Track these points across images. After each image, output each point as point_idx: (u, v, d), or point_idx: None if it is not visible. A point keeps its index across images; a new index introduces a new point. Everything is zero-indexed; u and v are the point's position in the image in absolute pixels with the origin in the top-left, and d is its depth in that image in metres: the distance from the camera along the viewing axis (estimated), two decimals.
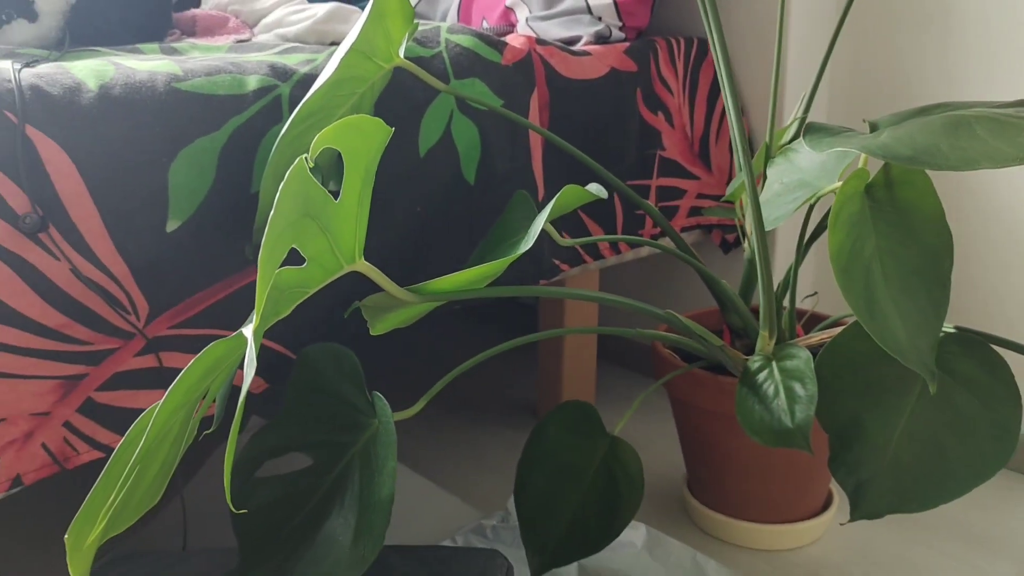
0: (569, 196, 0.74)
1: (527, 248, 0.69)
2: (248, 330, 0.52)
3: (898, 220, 0.77)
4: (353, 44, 0.75)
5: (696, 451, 1.09)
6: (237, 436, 0.52)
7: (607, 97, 1.21)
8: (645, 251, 1.32)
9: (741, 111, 1.38)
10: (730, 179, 1.39)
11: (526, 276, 1.12)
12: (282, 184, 0.48)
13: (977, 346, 0.78)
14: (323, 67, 0.93)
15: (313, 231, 0.52)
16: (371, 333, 0.73)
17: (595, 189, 0.78)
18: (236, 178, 0.87)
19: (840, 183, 0.83)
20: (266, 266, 0.47)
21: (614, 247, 1.25)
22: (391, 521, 1.06)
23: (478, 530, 1.03)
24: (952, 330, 0.80)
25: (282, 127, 0.88)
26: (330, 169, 0.86)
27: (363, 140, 0.52)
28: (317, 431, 0.82)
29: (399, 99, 0.98)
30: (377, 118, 0.52)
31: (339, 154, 0.91)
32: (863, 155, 0.80)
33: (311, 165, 0.50)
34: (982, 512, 1.16)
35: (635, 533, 1.03)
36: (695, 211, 1.36)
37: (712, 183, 1.37)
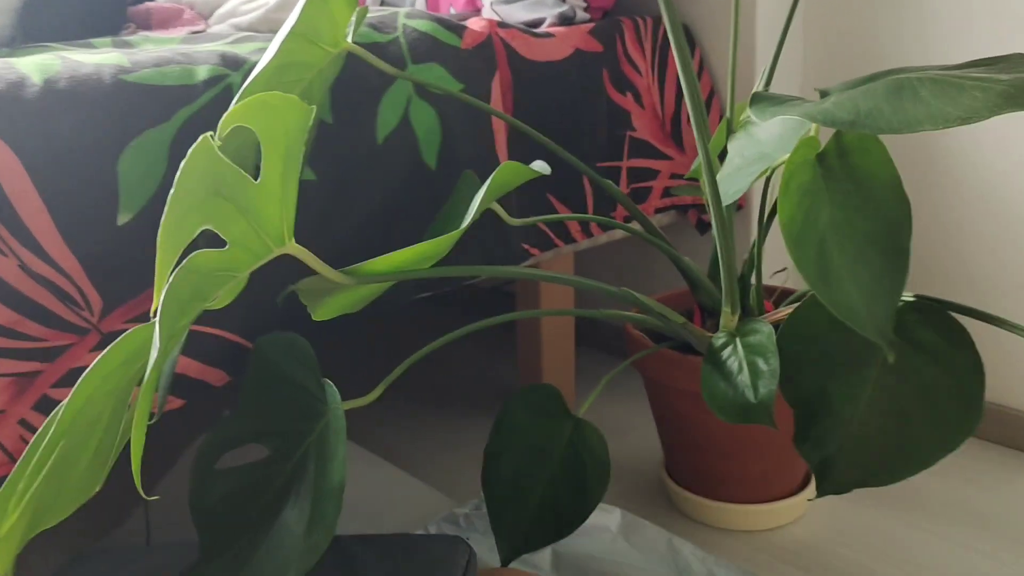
0: (507, 173, 0.73)
1: (465, 226, 0.68)
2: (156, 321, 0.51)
3: (853, 189, 0.75)
4: (293, 28, 0.74)
5: (671, 432, 1.08)
6: (145, 429, 0.51)
7: (572, 79, 1.20)
8: (619, 233, 1.31)
9: (712, 94, 1.37)
10: None
11: (494, 261, 1.11)
12: (184, 162, 0.46)
13: (936, 314, 0.77)
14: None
15: (229, 212, 0.50)
16: (313, 318, 0.72)
17: (539, 166, 0.76)
18: None
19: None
20: (166, 246, 0.46)
21: (585, 230, 1.24)
22: (363, 512, 1.05)
23: (450, 519, 1.02)
24: (911, 299, 0.79)
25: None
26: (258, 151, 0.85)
27: (277, 118, 0.51)
28: (274, 421, 0.81)
29: (354, 85, 0.97)
30: (292, 96, 0.50)
31: None
32: (814, 124, 0.79)
33: (219, 144, 0.48)
34: (970, 488, 1.15)
35: (610, 517, 1.02)
36: (669, 192, 1.35)
37: (685, 163, 1.35)
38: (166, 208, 0.45)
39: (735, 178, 0.87)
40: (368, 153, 0.98)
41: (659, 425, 1.10)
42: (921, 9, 1.22)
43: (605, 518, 1.02)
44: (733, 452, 1.02)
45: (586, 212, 1.24)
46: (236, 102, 0.76)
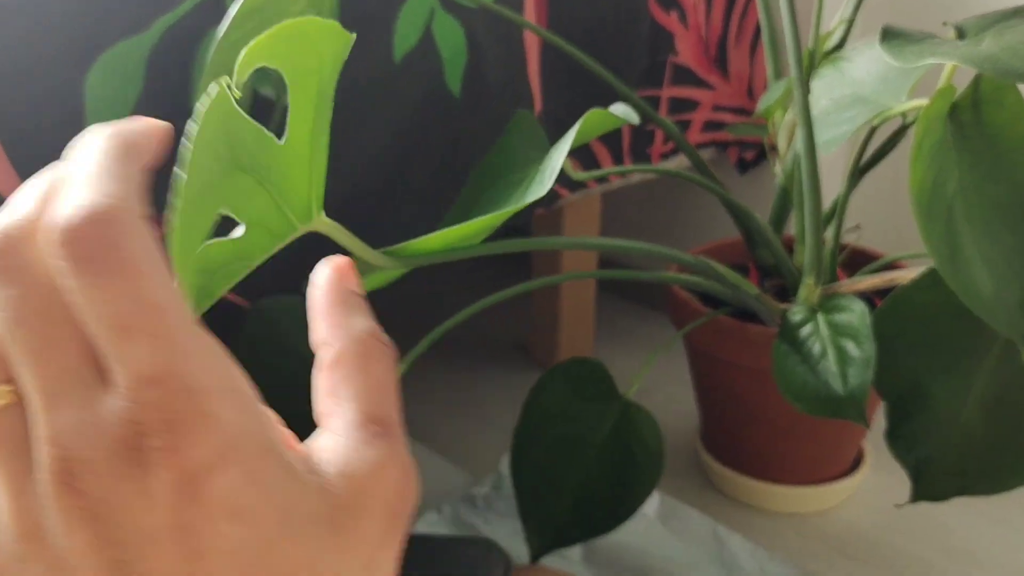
0: (592, 123, 0.59)
1: (544, 193, 0.54)
2: None
3: (983, 148, 0.62)
4: None
5: (716, 405, 0.96)
6: None
7: None
8: (652, 175, 1.17)
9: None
10: (750, 88, 1.23)
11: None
12: (197, 127, 0.32)
13: None
14: None
15: (248, 187, 0.36)
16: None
17: (621, 111, 0.62)
18: (170, 88, 0.71)
19: (913, 103, 0.68)
20: (183, 253, 0.32)
21: (619, 165, 1.10)
22: None
23: (468, 499, 0.91)
24: None
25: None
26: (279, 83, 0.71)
27: (312, 51, 0.36)
28: (275, 394, 0.68)
29: None
30: (331, 20, 0.36)
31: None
32: (947, 68, 0.65)
33: (237, 95, 0.33)
34: None
35: (647, 501, 0.91)
36: (710, 125, 1.20)
37: (729, 92, 1.21)
38: (178, 199, 0.30)
39: (826, 124, 0.73)
40: (383, 74, 0.83)
41: (700, 395, 0.99)
42: None
43: None
44: (786, 432, 0.91)
45: (621, 147, 1.10)
46: (237, 10, 0.61)
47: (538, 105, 0.97)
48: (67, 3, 0.66)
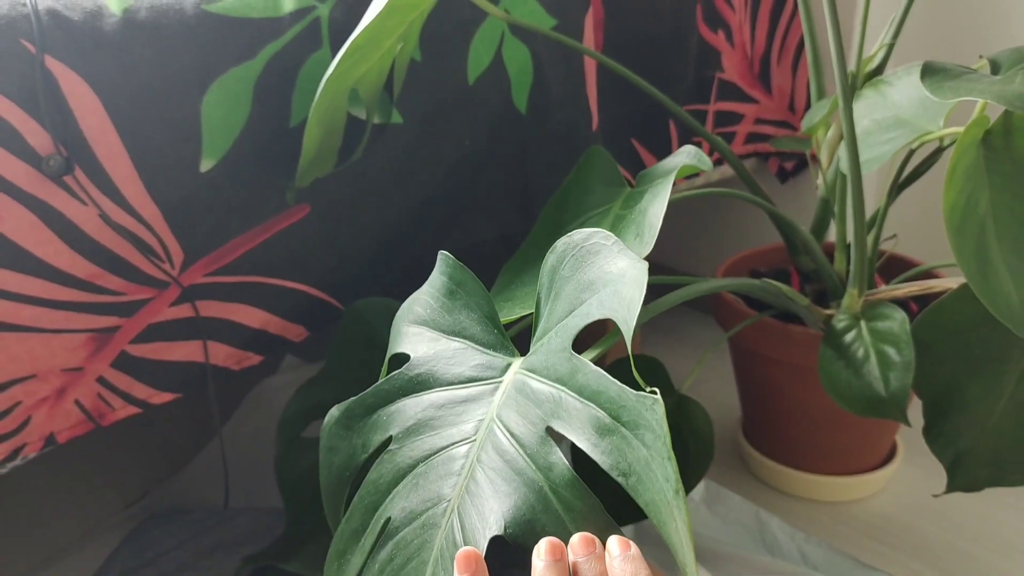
0: (685, 173, 0.67)
1: (648, 250, 0.60)
2: None
3: (1014, 172, 0.69)
4: None
5: (757, 399, 1.03)
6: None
7: (666, 14, 1.11)
8: (700, 180, 1.24)
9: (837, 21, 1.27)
10: (791, 103, 1.29)
11: None
12: None
13: None
14: None
15: None
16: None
17: (695, 159, 0.69)
18: (273, 111, 0.79)
19: (950, 130, 0.74)
20: None
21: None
22: None
23: None
24: None
25: (321, 54, 0.80)
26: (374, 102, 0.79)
27: None
28: (363, 380, 0.76)
29: (446, 21, 0.89)
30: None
31: (386, 85, 0.83)
32: (980, 101, 0.71)
33: None
34: None
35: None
36: (752, 137, 1.27)
37: (772, 107, 1.27)
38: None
39: (867, 144, 0.80)
40: (458, 94, 0.90)
41: (743, 390, 1.06)
42: None
43: None
44: (823, 425, 0.98)
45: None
46: (344, 51, 0.68)
47: (595, 119, 1.04)
48: (187, 33, 0.74)
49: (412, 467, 0.55)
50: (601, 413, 0.50)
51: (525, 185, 0.99)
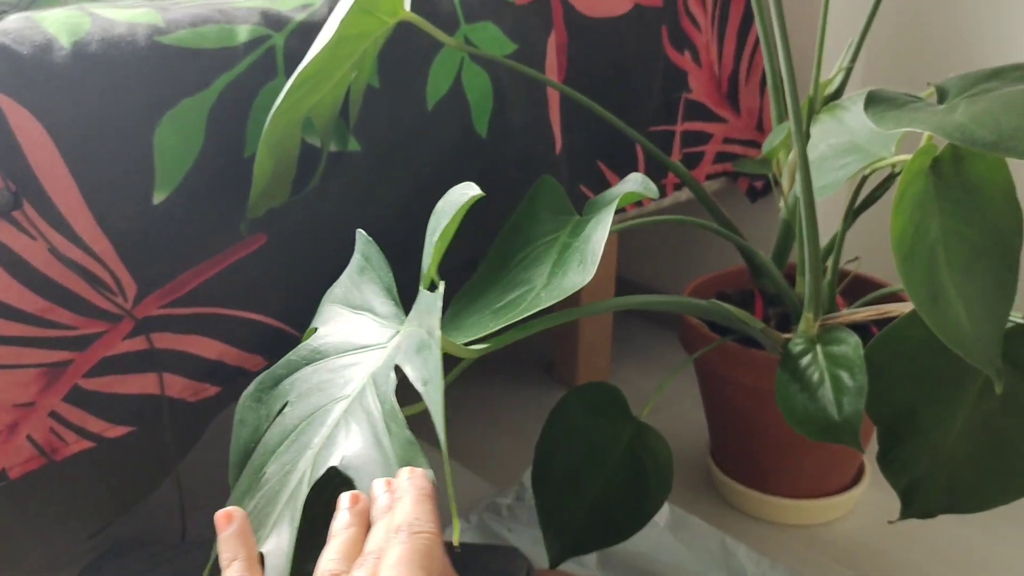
0: (625, 201, 0.67)
1: (589, 279, 0.62)
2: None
3: (964, 197, 0.69)
4: (356, 2, 0.66)
5: (724, 423, 1.03)
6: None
7: (630, 36, 1.11)
8: (668, 201, 1.24)
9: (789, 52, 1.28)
10: (760, 122, 1.29)
11: None
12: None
13: None
14: (321, 13, 0.83)
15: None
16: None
17: (640, 186, 0.69)
18: (227, 142, 0.79)
19: (900, 157, 0.74)
20: None
21: (635, 202, 1.17)
22: None
23: (492, 508, 0.98)
24: (1021, 320, 0.73)
25: (277, 83, 0.80)
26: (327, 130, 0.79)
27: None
28: None
29: (404, 48, 0.89)
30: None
31: (340, 114, 0.83)
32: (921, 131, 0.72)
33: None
34: None
35: (658, 513, 0.98)
36: (722, 156, 1.27)
37: (740, 126, 1.28)
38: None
39: (823, 170, 0.80)
40: (417, 121, 0.90)
41: (710, 414, 1.06)
42: None
43: None
44: (789, 448, 0.97)
45: None
46: (293, 81, 0.68)
47: (559, 143, 1.04)
48: (139, 65, 0.74)
49: (296, 426, 0.60)
50: (424, 334, 0.57)
51: (488, 210, 0.99)
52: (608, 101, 1.11)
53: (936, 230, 0.67)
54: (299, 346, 0.66)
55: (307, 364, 0.64)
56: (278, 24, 0.82)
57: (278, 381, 0.64)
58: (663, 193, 1.21)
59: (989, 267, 0.69)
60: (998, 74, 0.69)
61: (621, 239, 1.58)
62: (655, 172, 1.18)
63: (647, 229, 1.53)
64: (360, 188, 0.88)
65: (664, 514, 0.98)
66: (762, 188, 1.32)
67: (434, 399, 0.53)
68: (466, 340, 0.64)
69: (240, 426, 0.64)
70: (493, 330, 0.63)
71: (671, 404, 1.28)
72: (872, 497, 1.06)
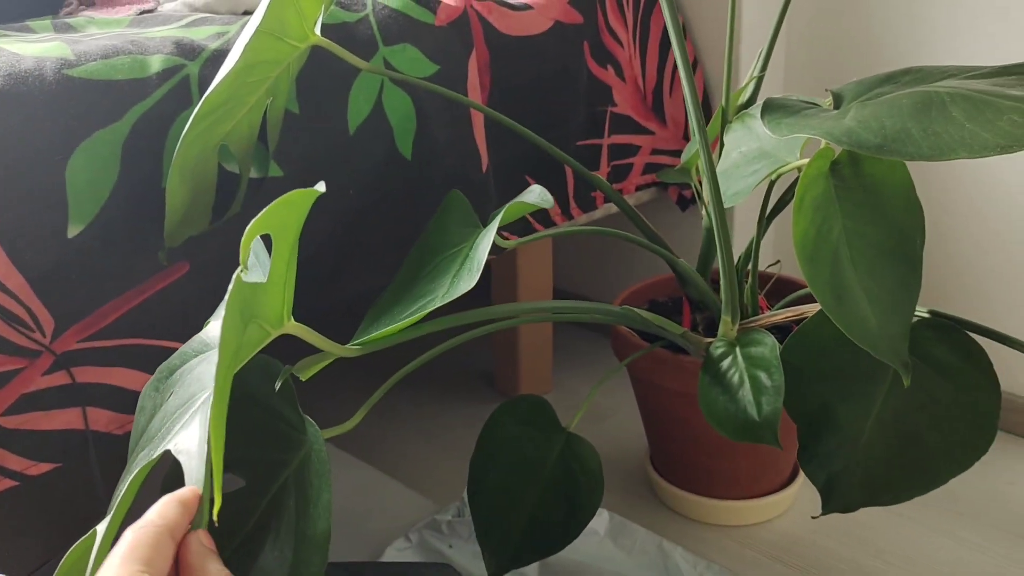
0: (513, 211, 0.68)
1: (472, 285, 0.63)
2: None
3: (865, 198, 0.71)
4: (259, 26, 0.66)
5: (660, 429, 1.04)
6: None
7: (552, 53, 1.13)
8: (599, 213, 1.26)
9: (696, 65, 1.31)
10: (686, 132, 1.32)
11: None
12: (223, 319, 0.43)
13: (951, 331, 0.74)
14: (235, 41, 0.84)
15: (250, 330, 0.49)
16: (302, 379, 0.67)
17: (536, 198, 0.71)
18: (143, 173, 0.78)
19: (803, 161, 0.77)
20: (219, 412, 0.43)
21: (565, 212, 1.19)
22: (341, 520, 1.01)
23: (432, 525, 0.98)
24: (926, 315, 0.75)
25: (192, 112, 0.80)
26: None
27: (294, 213, 0.47)
28: (249, 448, 0.76)
29: (322, 74, 0.89)
30: (311, 189, 0.47)
31: (260, 139, 0.83)
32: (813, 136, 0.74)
33: (246, 272, 0.46)
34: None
35: (597, 520, 0.99)
36: (650, 167, 1.29)
37: (667, 137, 1.30)
38: (215, 386, 0.42)
39: (734, 177, 0.82)
40: (340, 145, 0.91)
41: (646, 421, 1.07)
42: None
43: (593, 521, 0.99)
44: (723, 451, 0.99)
45: (566, 194, 1.18)
46: (200, 108, 0.68)
47: (484, 162, 1.05)
48: (49, 100, 0.73)
49: (172, 414, 0.61)
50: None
51: (416, 231, 1.00)
52: (533, 117, 1.12)
53: (839, 231, 0.69)
54: (192, 338, 0.67)
55: (195, 356, 0.65)
56: (192, 53, 0.82)
57: (172, 371, 0.66)
58: (594, 205, 1.23)
59: (893, 265, 0.71)
60: (891, 79, 0.72)
61: (557, 252, 1.59)
62: (584, 186, 1.20)
63: (582, 241, 1.55)
64: None
65: (604, 522, 0.99)
66: (691, 197, 1.34)
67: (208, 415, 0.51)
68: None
69: (140, 413, 0.66)
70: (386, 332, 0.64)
71: (613, 412, 1.30)
72: (808, 495, 1.08)
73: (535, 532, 0.85)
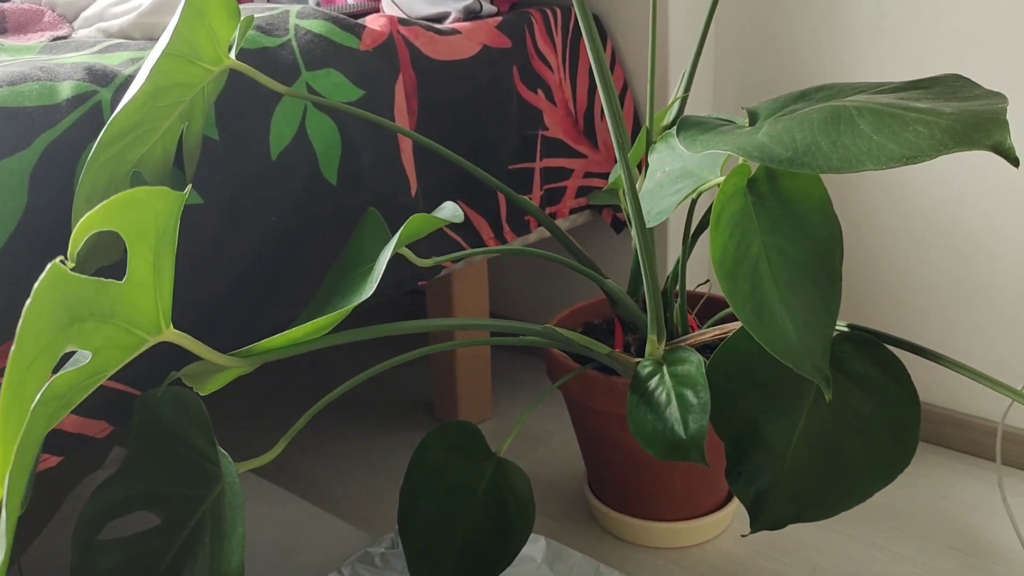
0: (416, 225, 0.66)
1: (370, 294, 0.61)
2: None
3: (783, 214, 0.72)
4: (167, 49, 0.65)
5: (595, 451, 1.04)
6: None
7: (481, 78, 1.13)
8: (534, 237, 1.25)
9: (625, 88, 1.32)
10: None
11: (404, 278, 1.04)
12: (27, 305, 0.39)
13: (870, 345, 0.74)
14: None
15: (90, 328, 0.44)
16: (202, 394, 0.64)
17: (448, 213, 0.70)
18: (54, 201, 0.76)
19: (722, 178, 0.77)
20: (11, 417, 0.39)
21: (499, 235, 1.18)
22: (271, 556, 0.98)
23: (365, 558, 0.96)
24: (845, 329, 0.76)
25: None
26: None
27: (148, 211, 0.44)
28: (164, 484, 0.73)
29: (242, 96, 0.88)
30: (162, 187, 0.44)
31: (179, 165, 0.82)
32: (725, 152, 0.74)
33: (71, 264, 0.41)
34: (888, 488, 1.14)
35: (534, 547, 0.97)
36: (584, 190, 1.30)
37: (600, 160, 1.30)
38: (9, 365, 0.37)
39: (658, 196, 0.82)
40: (261, 171, 0.89)
41: (582, 443, 1.06)
42: (835, 17, 1.19)
43: (529, 548, 0.97)
44: (658, 472, 0.98)
45: (499, 218, 1.18)
46: (106, 133, 0.67)
47: (413, 187, 1.04)
48: None
49: None
50: None
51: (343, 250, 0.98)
52: (463, 141, 1.12)
53: (758, 247, 0.70)
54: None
55: None
56: (104, 79, 0.80)
57: None
58: (528, 229, 1.22)
59: (812, 281, 0.71)
60: (805, 95, 0.72)
61: (494, 277, 1.59)
62: (517, 209, 1.19)
63: (519, 267, 1.54)
64: (206, 242, 0.87)
65: (540, 548, 0.97)
66: (625, 220, 1.35)
67: None
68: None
69: None
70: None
71: (551, 437, 1.29)
72: (746, 514, 1.08)
73: (468, 560, 0.84)
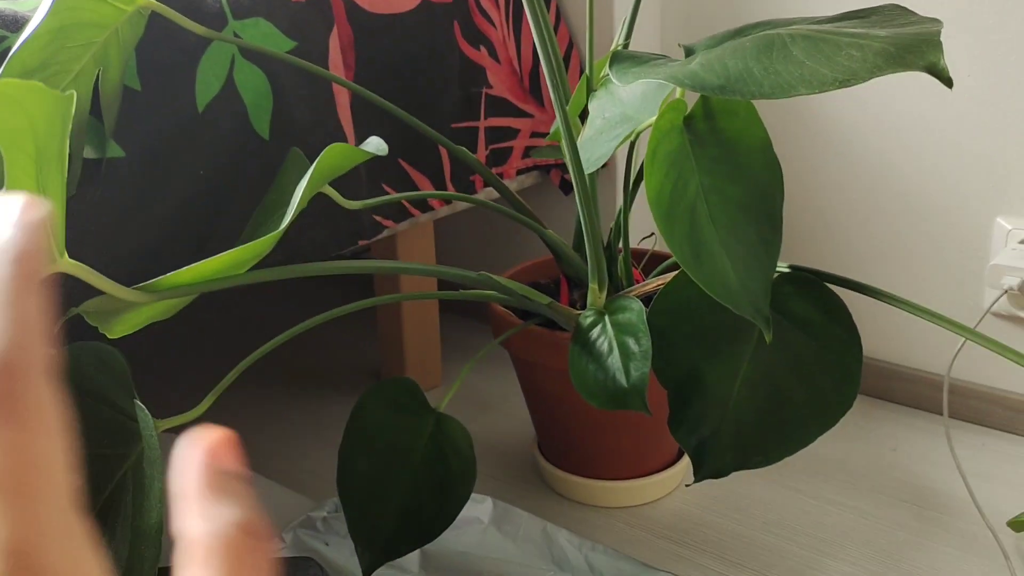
0: (335, 157, 0.63)
1: (285, 226, 0.59)
2: None
3: (722, 154, 0.70)
4: None
5: (542, 410, 1.02)
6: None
7: (420, 33, 1.10)
8: (480, 197, 1.23)
9: (571, 47, 1.29)
10: None
11: (341, 238, 1.01)
12: None
13: (812, 285, 0.73)
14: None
15: None
16: (109, 337, 0.61)
17: (374, 145, 0.67)
18: None
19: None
20: None
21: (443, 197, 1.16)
22: None
23: (307, 523, 0.93)
24: (786, 269, 0.75)
25: None
26: None
27: (20, 112, 0.40)
28: (86, 443, 0.70)
29: (166, 44, 0.84)
30: (37, 83, 0.39)
31: (95, 115, 0.78)
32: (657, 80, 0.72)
33: None
34: (838, 443, 1.14)
35: (481, 508, 0.95)
36: (530, 152, 1.27)
37: (547, 120, 1.28)
38: None
39: (597, 143, 0.80)
40: (187, 123, 0.86)
41: (529, 403, 1.04)
42: None
43: (476, 509, 0.96)
44: (605, 429, 0.97)
45: (443, 177, 1.15)
46: (3, 72, 0.63)
47: (352, 142, 1.01)
48: None
49: None
50: None
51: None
52: (403, 98, 1.09)
53: (695, 187, 0.68)
54: None
55: None
56: (15, 24, 0.76)
57: None
58: (473, 189, 1.20)
59: (752, 222, 0.70)
60: (741, 31, 0.71)
61: (440, 238, 1.56)
62: (462, 170, 1.17)
63: (466, 227, 1.52)
64: (129, 196, 0.83)
65: (488, 509, 0.96)
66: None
67: None
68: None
69: None
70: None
71: (501, 401, 1.27)
72: (689, 486, 1.06)
73: (409, 521, 0.82)
